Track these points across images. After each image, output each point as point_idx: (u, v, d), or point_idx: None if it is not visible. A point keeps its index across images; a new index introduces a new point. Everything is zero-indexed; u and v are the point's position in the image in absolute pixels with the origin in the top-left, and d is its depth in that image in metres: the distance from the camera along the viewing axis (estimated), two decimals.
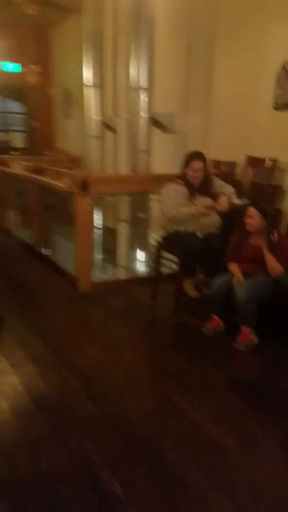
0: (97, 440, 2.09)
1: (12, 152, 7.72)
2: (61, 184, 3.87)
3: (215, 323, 3.24)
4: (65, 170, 4.44)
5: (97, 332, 3.28)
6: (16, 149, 8.33)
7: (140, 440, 2.10)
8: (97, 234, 4.60)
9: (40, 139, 8.87)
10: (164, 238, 3.72)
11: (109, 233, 4.73)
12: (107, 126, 5.15)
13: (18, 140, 9.03)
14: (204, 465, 1.96)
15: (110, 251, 4.60)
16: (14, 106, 9.04)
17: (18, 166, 5.40)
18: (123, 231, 4.47)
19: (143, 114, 4.24)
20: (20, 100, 8.96)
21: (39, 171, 5.03)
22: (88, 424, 2.22)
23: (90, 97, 4.98)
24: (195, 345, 3.12)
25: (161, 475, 1.89)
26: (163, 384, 2.60)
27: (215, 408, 2.39)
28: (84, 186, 3.78)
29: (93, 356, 2.91)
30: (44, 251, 4.95)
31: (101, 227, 4.71)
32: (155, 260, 3.81)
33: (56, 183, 3.99)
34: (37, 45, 8.26)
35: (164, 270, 4.01)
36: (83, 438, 2.10)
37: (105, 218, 4.72)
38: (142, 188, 4.19)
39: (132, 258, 4.50)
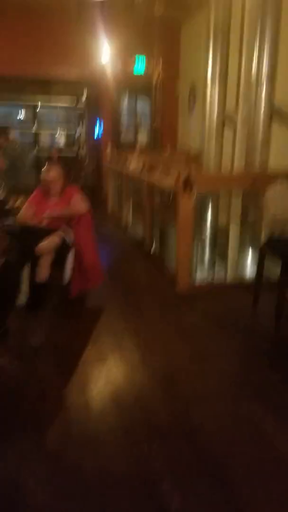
0: (165, 448, 2.02)
1: (131, 150, 7.96)
2: (165, 182, 3.83)
3: None
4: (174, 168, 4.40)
5: (189, 336, 3.19)
6: (138, 146, 8.57)
7: (210, 457, 1.97)
8: (206, 233, 4.48)
9: (163, 136, 8.99)
10: (268, 241, 3.45)
11: (219, 233, 4.57)
12: (227, 121, 4.98)
13: (142, 137, 9.27)
14: (276, 496, 1.75)
15: (216, 252, 4.45)
16: (141, 104, 9.27)
17: (132, 164, 5.52)
18: (232, 232, 4.29)
19: (267, 108, 4.01)
20: (147, 97, 9.14)
21: (151, 168, 5.08)
22: (159, 430, 2.16)
23: (212, 92, 4.88)
24: None
25: (224, 496, 1.74)
26: (250, 403, 2.39)
27: None
28: (186, 184, 3.69)
29: (180, 361, 2.83)
30: (152, 248, 5.00)
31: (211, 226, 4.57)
32: (259, 264, 3.56)
33: (161, 181, 3.97)
34: (165, 42, 8.33)
35: (270, 276, 3.73)
36: (151, 443, 2.04)
37: (215, 218, 4.57)
38: (250, 186, 3.95)
39: (238, 261, 4.29)
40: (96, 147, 8.91)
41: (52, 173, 3.60)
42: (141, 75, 8.53)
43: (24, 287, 3.46)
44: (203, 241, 4.39)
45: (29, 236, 3.41)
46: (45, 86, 8.64)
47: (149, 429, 2.16)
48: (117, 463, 1.93)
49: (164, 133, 8.99)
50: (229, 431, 2.16)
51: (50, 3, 7.03)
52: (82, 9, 7.17)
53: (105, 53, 7.70)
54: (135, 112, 9.20)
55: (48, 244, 3.37)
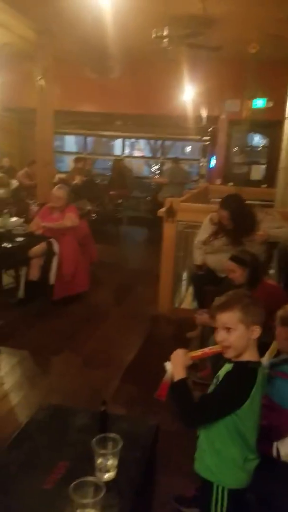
0: None
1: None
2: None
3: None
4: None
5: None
6: (251, 182, 8.67)
7: None
8: None
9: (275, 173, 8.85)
10: None
11: None
12: None
13: (255, 173, 9.29)
14: None
15: None
16: (258, 140, 9.37)
17: None
18: None
19: None
20: (264, 134, 9.18)
21: None
22: None
23: None
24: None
25: None
26: None
27: None
28: (169, 212, 3.96)
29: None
30: None
31: None
32: None
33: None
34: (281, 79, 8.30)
35: None
36: None
37: None
38: None
39: None
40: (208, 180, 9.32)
41: (59, 192, 4.32)
42: (260, 113, 8.64)
43: (21, 284, 4.23)
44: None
45: (28, 241, 4.20)
46: (172, 122, 9.51)
47: None
48: None
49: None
50: None
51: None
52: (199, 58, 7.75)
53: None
54: (251, 148, 9.32)
55: (38, 248, 4.09)
